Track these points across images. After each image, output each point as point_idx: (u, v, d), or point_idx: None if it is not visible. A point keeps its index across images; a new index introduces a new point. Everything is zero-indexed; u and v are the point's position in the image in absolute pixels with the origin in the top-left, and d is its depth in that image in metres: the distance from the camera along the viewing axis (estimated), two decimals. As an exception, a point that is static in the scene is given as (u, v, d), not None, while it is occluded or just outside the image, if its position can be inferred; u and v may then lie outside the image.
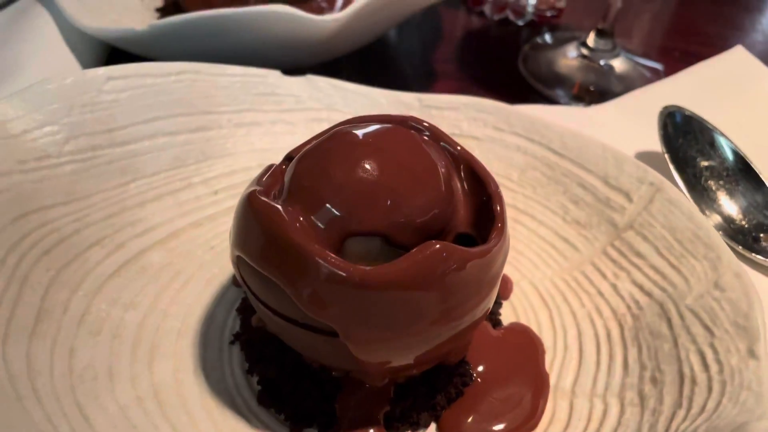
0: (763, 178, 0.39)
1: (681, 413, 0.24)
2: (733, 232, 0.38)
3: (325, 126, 0.29)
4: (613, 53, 0.53)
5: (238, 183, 0.35)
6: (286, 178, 0.25)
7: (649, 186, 0.33)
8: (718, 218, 0.38)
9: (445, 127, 0.32)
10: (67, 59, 0.42)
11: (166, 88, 0.35)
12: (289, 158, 0.26)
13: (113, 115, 0.33)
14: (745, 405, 0.23)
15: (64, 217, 0.30)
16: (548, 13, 0.61)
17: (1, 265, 0.26)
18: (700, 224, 0.31)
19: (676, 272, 0.30)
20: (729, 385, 0.24)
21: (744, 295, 0.26)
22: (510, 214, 0.31)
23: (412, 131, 0.27)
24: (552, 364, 0.29)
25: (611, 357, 0.29)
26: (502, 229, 0.25)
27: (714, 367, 0.25)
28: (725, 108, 0.45)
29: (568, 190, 0.35)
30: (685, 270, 0.29)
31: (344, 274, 0.22)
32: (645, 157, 0.42)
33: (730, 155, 0.40)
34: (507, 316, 0.32)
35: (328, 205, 0.23)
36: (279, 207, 0.23)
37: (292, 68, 0.39)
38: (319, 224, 0.23)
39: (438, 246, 0.22)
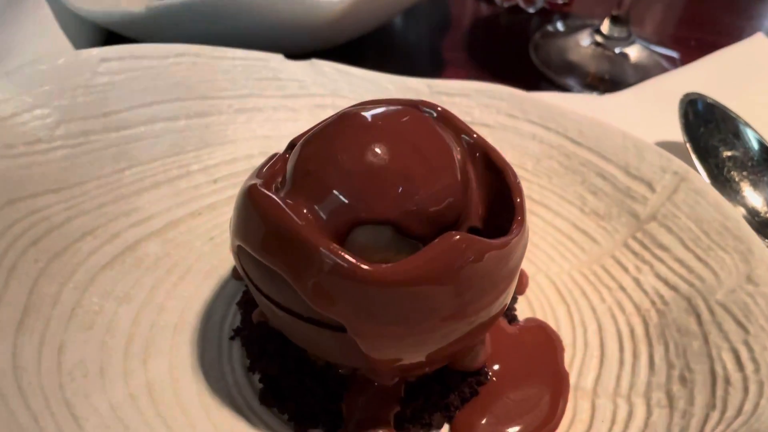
0: (789, 169, 0.37)
1: (715, 415, 0.23)
2: (758, 225, 0.36)
3: (330, 113, 0.27)
4: (628, 41, 0.51)
5: (238, 171, 0.34)
6: (290, 163, 0.24)
7: (673, 175, 0.31)
8: (742, 210, 0.36)
9: (456, 115, 0.30)
10: (62, 43, 0.40)
11: (164, 71, 0.33)
12: (292, 146, 0.25)
13: (108, 98, 0.31)
14: (786, 407, 0.21)
15: (55, 205, 0.28)
16: (559, 1, 0.59)
17: (-14, 254, 0.24)
18: (728, 215, 0.29)
19: (704, 265, 0.28)
20: (767, 386, 0.22)
21: (780, 290, 0.25)
22: (526, 205, 0.29)
23: (425, 115, 0.25)
24: (572, 362, 0.28)
25: (635, 355, 0.27)
26: (522, 221, 0.23)
27: (750, 366, 0.24)
28: (747, 96, 0.43)
29: (586, 179, 0.34)
30: (714, 263, 0.28)
31: (358, 273, 0.20)
32: (665, 147, 0.40)
33: (754, 145, 0.38)
34: (522, 311, 0.30)
35: (335, 191, 0.22)
36: (279, 200, 0.22)
37: (296, 53, 0.38)
38: (325, 212, 0.22)
39: (458, 237, 0.21)
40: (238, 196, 0.23)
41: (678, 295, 0.28)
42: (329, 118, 0.25)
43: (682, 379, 0.25)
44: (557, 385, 0.27)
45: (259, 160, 0.31)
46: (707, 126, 0.39)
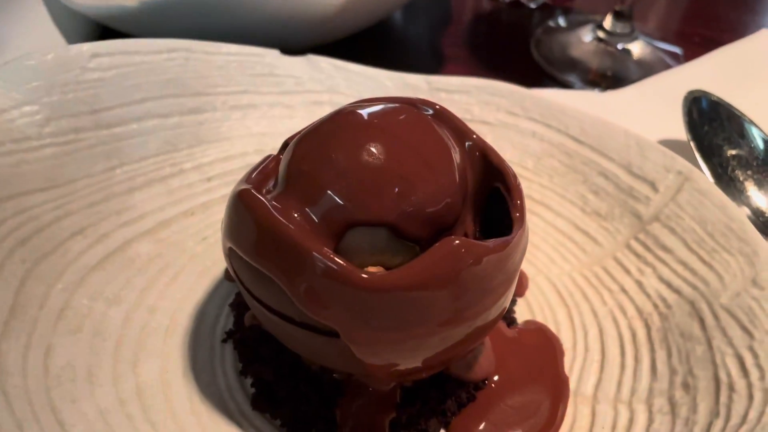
0: (794, 168, 0.37)
1: (719, 423, 0.22)
2: (763, 225, 0.35)
3: (327, 110, 0.26)
4: (631, 37, 0.50)
5: (233, 169, 0.33)
6: (282, 163, 0.23)
7: (677, 175, 0.31)
8: (746, 211, 0.36)
9: (455, 112, 0.30)
10: (53, 38, 0.39)
11: (157, 67, 0.33)
12: (286, 146, 0.24)
13: (98, 95, 0.31)
14: (792, 416, 0.20)
15: (43, 204, 0.27)
16: (561, -4, 0.58)
17: (-29, 255, 0.24)
18: (733, 216, 0.28)
19: (708, 268, 0.27)
20: (773, 394, 0.22)
21: (786, 294, 0.24)
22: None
23: (423, 114, 0.25)
24: (572, 366, 0.27)
25: (637, 360, 0.26)
26: (522, 223, 0.23)
27: (755, 373, 0.23)
28: (752, 93, 0.42)
29: (587, 179, 0.33)
30: (718, 266, 0.27)
31: (355, 280, 0.19)
32: (668, 145, 0.39)
33: (760, 143, 0.38)
34: (522, 314, 0.30)
35: (328, 191, 0.21)
36: (271, 201, 0.21)
37: (293, 49, 0.37)
38: (319, 213, 0.21)
39: (457, 242, 0.20)
40: (229, 198, 0.23)
41: (681, 299, 0.27)
42: (324, 117, 0.24)
43: (685, 386, 0.24)
44: (557, 390, 0.26)
45: (255, 158, 0.31)
46: (711, 124, 0.38)
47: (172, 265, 0.29)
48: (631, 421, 0.24)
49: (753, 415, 0.22)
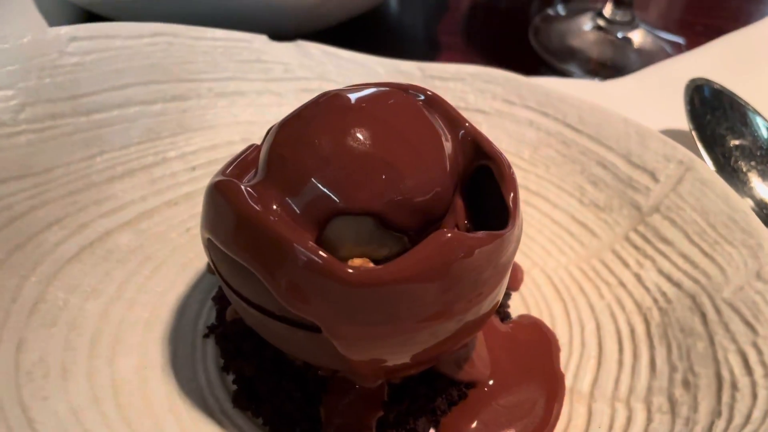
0: (799, 159, 0.36)
1: (720, 423, 0.21)
2: (766, 217, 0.34)
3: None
4: (631, 25, 0.49)
5: (218, 158, 0.32)
6: (263, 149, 0.22)
7: (678, 164, 0.30)
8: (749, 202, 0.35)
9: (450, 100, 0.29)
10: (37, 24, 0.38)
11: (139, 52, 0.32)
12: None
13: (77, 80, 0.30)
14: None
15: (18, 193, 0.26)
16: (561, -16, 0.57)
17: (-62, 246, 0.23)
18: (736, 207, 0.27)
19: (710, 261, 0.26)
20: (778, 392, 0.21)
21: (792, 288, 0.23)
22: (521, 195, 0.27)
23: (413, 99, 0.24)
24: (568, 362, 0.26)
25: (636, 356, 0.25)
26: (515, 215, 0.22)
27: (759, 371, 0.22)
28: (755, 82, 0.41)
29: (585, 169, 0.32)
30: (721, 259, 0.26)
31: (339, 275, 0.18)
32: (669, 135, 0.38)
33: (763, 133, 0.37)
34: (516, 308, 0.29)
35: (311, 178, 0.20)
36: (249, 188, 0.20)
37: (282, 36, 0.36)
38: (301, 202, 0.20)
39: (449, 236, 0.19)
40: (207, 186, 0.22)
41: (682, 293, 0.26)
42: (308, 101, 0.23)
43: (686, 383, 0.23)
44: (552, 387, 0.25)
45: (241, 147, 0.29)
46: (714, 113, 0.37)
47: (154, 257, 0.28)
48: (629, 420, 0.23)
49: (757, 414, 0.21)
